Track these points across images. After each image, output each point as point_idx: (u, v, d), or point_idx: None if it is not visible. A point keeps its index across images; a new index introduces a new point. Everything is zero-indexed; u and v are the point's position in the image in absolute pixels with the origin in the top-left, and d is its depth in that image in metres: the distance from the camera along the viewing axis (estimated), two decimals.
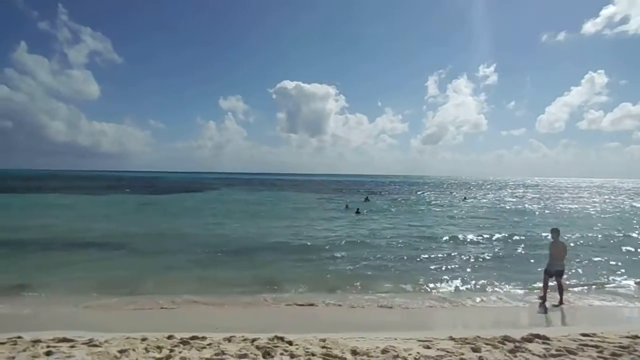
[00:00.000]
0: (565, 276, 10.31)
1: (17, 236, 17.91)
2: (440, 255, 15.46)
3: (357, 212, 30.72)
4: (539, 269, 11.17)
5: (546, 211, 35.58)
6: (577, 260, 14.53)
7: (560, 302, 9.77)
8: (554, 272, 9.97)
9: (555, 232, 10.35)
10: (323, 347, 6.25)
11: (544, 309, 9.56)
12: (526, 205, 41.78)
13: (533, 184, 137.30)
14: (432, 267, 13.49)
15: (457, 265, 13.76)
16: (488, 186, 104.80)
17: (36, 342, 6.36)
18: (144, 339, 6.58)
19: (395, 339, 6.65)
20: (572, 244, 17.67)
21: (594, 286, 11.57)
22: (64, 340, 6.47)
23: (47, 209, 30.82)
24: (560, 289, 9.89)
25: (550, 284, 10.08)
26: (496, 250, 16.79)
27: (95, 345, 6.25)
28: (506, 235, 20.63)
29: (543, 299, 10.00)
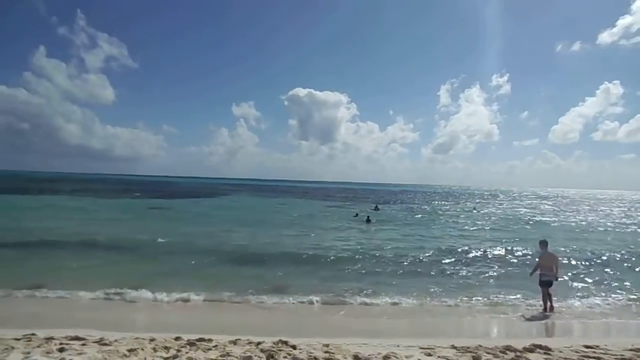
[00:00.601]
0: (552, 286, 10.39)
1: (30, 237, 18.29)
2: (447, 265, 15.47)
3: (368, 221, 30.79)
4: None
5: (557, 224, 35.22)
6: (585, 272, 14.45)
7: (551, 309, 10.05)
8: (543, 282, 10.27)
9: (543, 244, 10.81)
10: (326, 352, 6.38)
11: (545, 318, 9.67)
12: (537, 218, 41.43)
13: (545, 194, 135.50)
14: (439, 277, 13.53)
15: (463, 276, 13.77)
16: (500, 197, 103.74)
17: (49, 339, 6.61)
18: (152, 340, 6.77)
19: (398, 346, 6.74)
20: (578, 257, 17.64)
21: (597, 299, 11.49)
22: (76, 338, 6.70)
23: (59, 211, 31.38)
24: (549, 299, 10.17)
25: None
26: (502, 261, 16.73)
27: (106, 344, 6.46)
28: (513, 246, 20.49)
29: (545, 309, 10.13)
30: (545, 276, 10.23)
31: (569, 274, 14.36)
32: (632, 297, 11.83)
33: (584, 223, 36.16)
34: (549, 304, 10.17)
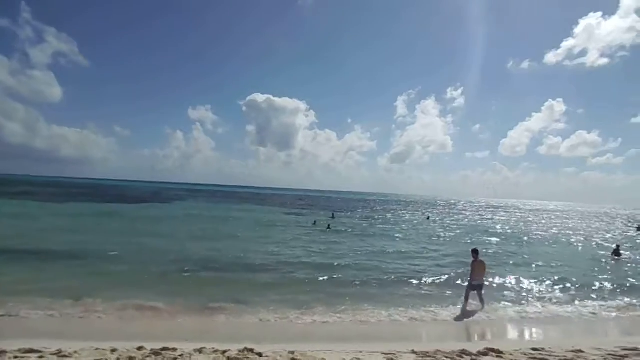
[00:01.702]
0: (484, 291, 11.70)
1: None
2: (404, 273, 15.95)
3: (328, 228, 31.54)
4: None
5: (503, 229, 37.14)
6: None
7: (482, 307, 11.29)
8: (475, 286, 11.54)
9: (475, 252, 11.97)
10: (292, 358, 6.52)
11: (465, 315, 10.71)
12: (484, 223, 43.49)
13: (493, 204, 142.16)
14: (399, 284, 13.97)
15: (420, 282, 14.29)
16: (452, 206, 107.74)
17: (1, 352, 6.30)
18: (114, 350, 6.62)
19: (361, 352, 6.99)
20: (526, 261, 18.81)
21: (539, 302, 12.39)
22: (31, 351, 6.43)
23: (2, 216, 29.47)
24: (481, 300, 11.47)
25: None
26: (451, 268, 17.46)
27: (65, 356, 6.27)
28: (460, 253, 21.45)
29: (464, 308, 11.25)
30: (476, 281, 11.52)
31: (509, 279, 15.28)
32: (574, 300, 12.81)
33: (546, 235, 38.29)
34: (479, 303, 11.39)
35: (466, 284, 12.14)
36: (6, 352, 6.33)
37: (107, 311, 9.53)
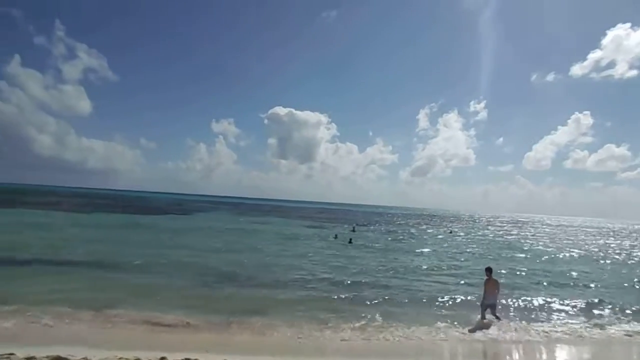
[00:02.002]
0: (500, 307, 11.81)
1: (4, 254, 17.69)
2: (428, 290, 15.61)
3: (350, 242, 30.96)
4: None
5: (530, 246, 36.06)
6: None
7: (498, 319, 11.27)
8: (487, 305, 11.44)
9: (488, 270, 11.83)
10: None
11: (485, 334, 10.40)
12: (510, 239, 42.35)
13: (517, 220, 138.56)
14: (422, 302, 13.74)
15: (443, 300, 13.96)
16: (475, 220, 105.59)
17: (30, 359, 6.46)
18: (137, 359, 6.70)
19: None
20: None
21: (568, 323, 11.93)
22: (58, 358, 6.58)
23: (29, 226, 30.38)
24: (497, 317, 11.35)
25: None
26: (475, 287, 17.02)
27: None
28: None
29: (480, 326, 10.96)
30: (489, 300, 11.43)
31: (539, 299, 14.79)
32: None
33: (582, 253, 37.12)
34: (491, 322, 11.21)
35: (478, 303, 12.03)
36: (35, 358, 6.49)
37: (131, 322, 9.68)
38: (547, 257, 29.43)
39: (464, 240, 41.60)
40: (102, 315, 10.01)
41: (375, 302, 13.09)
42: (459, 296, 14.43)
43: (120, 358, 6.79)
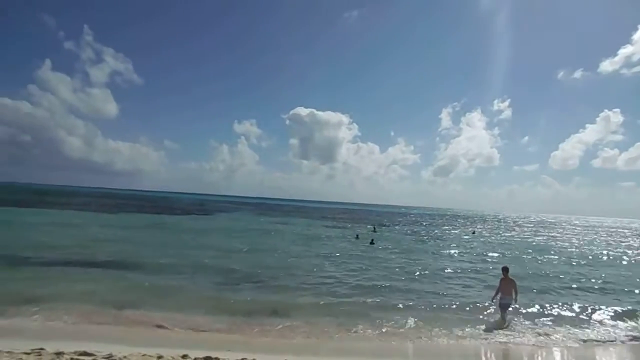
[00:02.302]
0: (511, 308, 11.59)
1: (34, 253, 18.32)
2: (452, 294, 15.39)
3: (372, 243, 30.60)
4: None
5: (561, 248, 35.09)
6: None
7: (506, 326, 10.96)
8: (502, 304, 11.39)
9: (505, 270, 11.77)
10: None
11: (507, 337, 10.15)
12: (538, 240, 41.29)
13: (543, 220, 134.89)
14: (446, 305, 13.53)
15: (467, 303, 13.73)
16: (499, 221, 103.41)
17: (59, 354, 6.67)
18: (160, 357, 6.83)
19: None
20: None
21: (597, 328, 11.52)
22: (85, 354, 6.77)
23: (59, 226, 31.39)
24: (505, 316, 11.34)
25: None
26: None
27: None
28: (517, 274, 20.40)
29: (500, 326, 10.92)
30: (504, 299, 11.34)
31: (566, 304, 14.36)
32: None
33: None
34: (505, 322, 11.14)
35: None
36: (63, 353, 6.70)
37: (152, 321, 9.84)
38: (578, 259, 28.55)
39: (489, 241, 40.82)
40: (124, 315, 10.24)
41: (398, 306, 12.87)
42: (481, 299, 14.10)
43: (143, 355, 6.92)
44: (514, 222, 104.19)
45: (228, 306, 11.65)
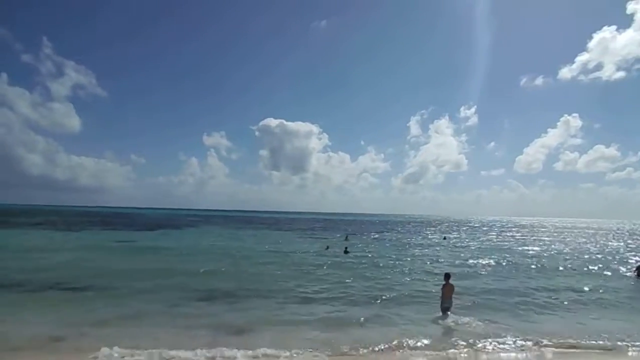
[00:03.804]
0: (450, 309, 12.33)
1: None
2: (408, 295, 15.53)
3: (346, 252, 30.36)
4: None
5: (538, 252, 36.17)
6: None
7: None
8: (444, 307, 12.20)
9: (446, 276, 12.61)
10: None
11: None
12: (496, 244, 42.45)
13: (504, 223, 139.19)
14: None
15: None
16: (467, 226, 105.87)
17: None
18: None
19: None
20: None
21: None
22: None
23: (12, 249, 29.89)
24: (445, 318, 11.94)
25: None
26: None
27: None
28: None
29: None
30: (445, 303, 12.25)
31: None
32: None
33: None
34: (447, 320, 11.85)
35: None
36: None
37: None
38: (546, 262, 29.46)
39: (461, 246, 41.63)
40: (60, 345, 9.57)
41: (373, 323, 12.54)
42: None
43: None
44: (484, 225, 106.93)
45: (194, 322, 11.27)
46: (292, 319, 12.03)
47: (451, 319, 11.90)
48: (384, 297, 15.00)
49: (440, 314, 12.28)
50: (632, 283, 20.50)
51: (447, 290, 12.34)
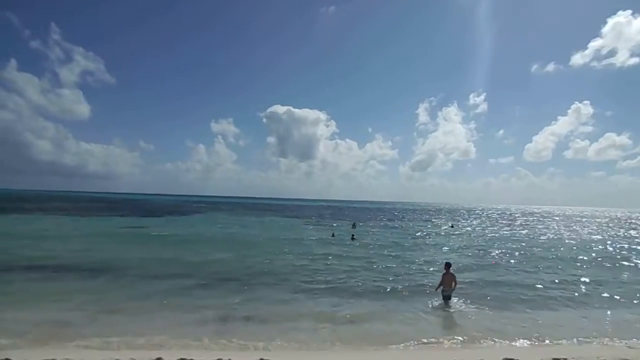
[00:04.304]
0: (454, 299, 12.74)
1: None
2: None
3: (353, 238, 30.70)
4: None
5: (523, 237, 36.04)
6: None
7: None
8: (444, 296, 12.53)
9: (447, 265, 12.94)
10: None
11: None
12: (506, 233, 42.29)
13: (518, 211, 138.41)
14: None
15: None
16: (475, 214, 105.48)
17: None
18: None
19: None
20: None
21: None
22: None
23: (24, 234, 30.30)
24: (448, 306, 12.31)
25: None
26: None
27: None
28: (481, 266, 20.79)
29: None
30: (446, 292, 12.54)
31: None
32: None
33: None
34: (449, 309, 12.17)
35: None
36: None
37: (126, 325, 9.54)
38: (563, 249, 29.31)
39: (468, 234, 41.55)
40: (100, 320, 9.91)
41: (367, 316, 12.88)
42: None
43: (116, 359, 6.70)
44: (490, 213, 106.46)
45: (201, 311, 11.35)
46: (298, 311, 11.84)
47: (454, 309, 12.05)
48: (388, 289, 14.85)
49: (442, 302, 12.50)
50: None
51: (448, 279, 12.58)
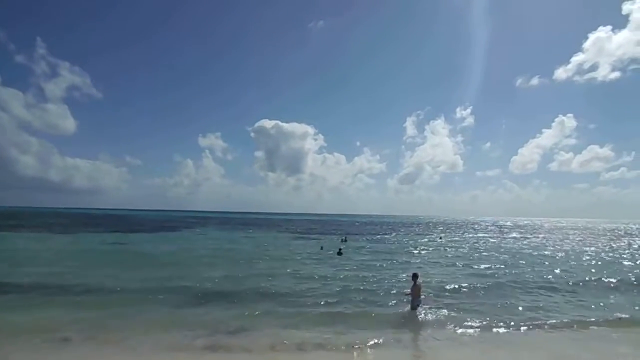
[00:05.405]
0: (420, 307, 13.28)
1: None
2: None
3: (339, 254, 30.29)
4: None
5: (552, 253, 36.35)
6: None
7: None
8: (412, 306, 13.08)
9: (414, 276, 13.42)
10: None
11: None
12: (499, 245, 42.64)
13: (508, 223, 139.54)
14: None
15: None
16: (462, 226, 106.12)
17: None
18: None
19: None
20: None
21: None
22: None
23: (8, 251, 29.74)
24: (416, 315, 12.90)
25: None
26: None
27: None
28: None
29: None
30: (415, 301, 13.12)
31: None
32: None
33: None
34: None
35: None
36: None
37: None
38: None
39: (457, 247, 41.76)
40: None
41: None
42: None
43: None
44: (481, 226, 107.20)
45: (191, 324, 11.31)
46: (286, 321, 12.16)
47: (420, 315, 12.89)
48: (370, 299, 15.24)
49: (410, 310, 13.15)
50: None
51: (416, 290, 13.16)
